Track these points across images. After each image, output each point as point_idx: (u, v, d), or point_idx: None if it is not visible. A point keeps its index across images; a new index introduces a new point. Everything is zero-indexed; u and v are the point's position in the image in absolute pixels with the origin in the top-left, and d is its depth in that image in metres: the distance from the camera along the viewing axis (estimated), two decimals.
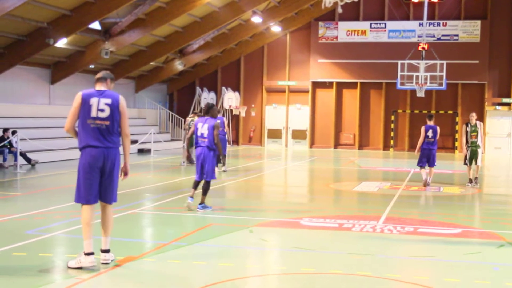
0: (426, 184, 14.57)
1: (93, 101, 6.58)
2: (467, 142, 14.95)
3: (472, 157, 14.88)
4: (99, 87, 6.74)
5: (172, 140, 29.06)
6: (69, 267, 6.52)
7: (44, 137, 20.41)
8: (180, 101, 32.82)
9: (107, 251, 6.70)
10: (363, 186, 15.11)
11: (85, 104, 6.57)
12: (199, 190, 10.63)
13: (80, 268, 6.47)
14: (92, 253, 6.52)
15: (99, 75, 6.85)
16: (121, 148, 6.88)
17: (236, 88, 31.52)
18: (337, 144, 31.09)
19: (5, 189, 13.91)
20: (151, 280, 6.27)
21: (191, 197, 10.64)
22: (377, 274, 6.57)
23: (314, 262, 7.17)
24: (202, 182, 10.61)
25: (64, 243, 7.87)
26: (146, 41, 25.18)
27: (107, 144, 6.59)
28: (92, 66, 24.44)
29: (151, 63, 27.64)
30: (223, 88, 30.86)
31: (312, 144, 31.42)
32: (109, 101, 6.61)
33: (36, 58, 21.59)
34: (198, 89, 31.57)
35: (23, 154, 18.04)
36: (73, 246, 7.54)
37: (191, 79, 32.57)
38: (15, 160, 17.47)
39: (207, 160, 10.45)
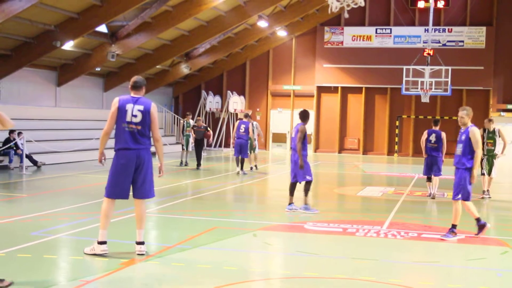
0: (430, 196, 13.81)
1: (128, 107, 7.20)
2: (482, 150, 13.53)
3: (487, 167, 13.75)
4: (135, 94, 7.34)
5: (177, 143, 29.07)
6: (84, 253, 7.15)
7: (50, 139, 20.49)
8: (185, 105, 32.90)
9: (141, 243, 7.26)
10: (367, 191, 15.12)
11: (121, 110, 7.17)
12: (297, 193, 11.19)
13: (93, 254, 7.05)
14: (104, 242, 7.10)
15: (134, 83, 7.37)
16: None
17: (241, 92, 31.57)
18: (341, 149, 31.09)
19: (10, 190, 13.99)
20: (155, 282, 6.29)
21: (290, 203, 11.15)
22: (381, 279, 6.59)
23: (318, 267, 7.20)
24: (299, 184, 11.19)
25: (69, 245, 7.91)
26: (152, 45, 25.27)
27: (139, 146, 7.20)
28: (98, 69, 24.55)
29: (157, 66, 27.72)
30: (229, 92, 30.92)
31: (316, 148, 31.43)
32: (141, 107, 7.22)
33: (43, 61, 21.71)
34: (203, 92, 31.67)
35: (29, 156, 18.13)
36: (78, 248, 7.56)
37: (197, 82, 32.66)
38: (21, 161, 17.55)
39: (294, 162, 11.11)
